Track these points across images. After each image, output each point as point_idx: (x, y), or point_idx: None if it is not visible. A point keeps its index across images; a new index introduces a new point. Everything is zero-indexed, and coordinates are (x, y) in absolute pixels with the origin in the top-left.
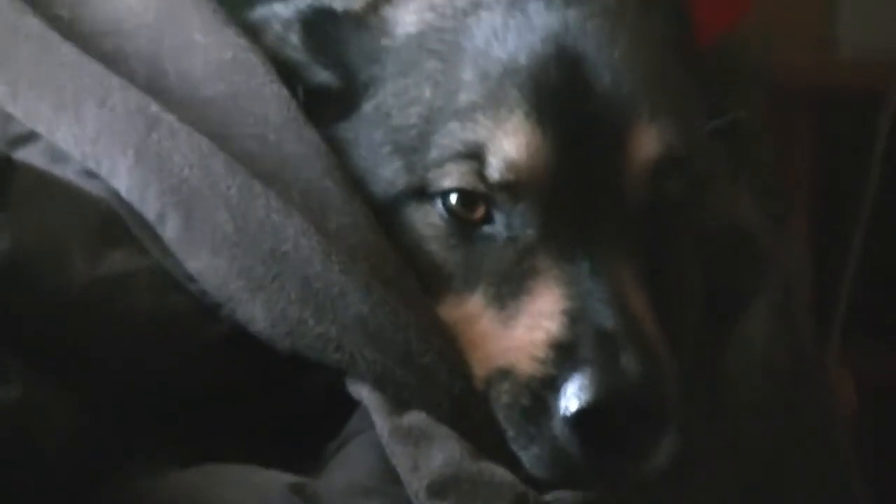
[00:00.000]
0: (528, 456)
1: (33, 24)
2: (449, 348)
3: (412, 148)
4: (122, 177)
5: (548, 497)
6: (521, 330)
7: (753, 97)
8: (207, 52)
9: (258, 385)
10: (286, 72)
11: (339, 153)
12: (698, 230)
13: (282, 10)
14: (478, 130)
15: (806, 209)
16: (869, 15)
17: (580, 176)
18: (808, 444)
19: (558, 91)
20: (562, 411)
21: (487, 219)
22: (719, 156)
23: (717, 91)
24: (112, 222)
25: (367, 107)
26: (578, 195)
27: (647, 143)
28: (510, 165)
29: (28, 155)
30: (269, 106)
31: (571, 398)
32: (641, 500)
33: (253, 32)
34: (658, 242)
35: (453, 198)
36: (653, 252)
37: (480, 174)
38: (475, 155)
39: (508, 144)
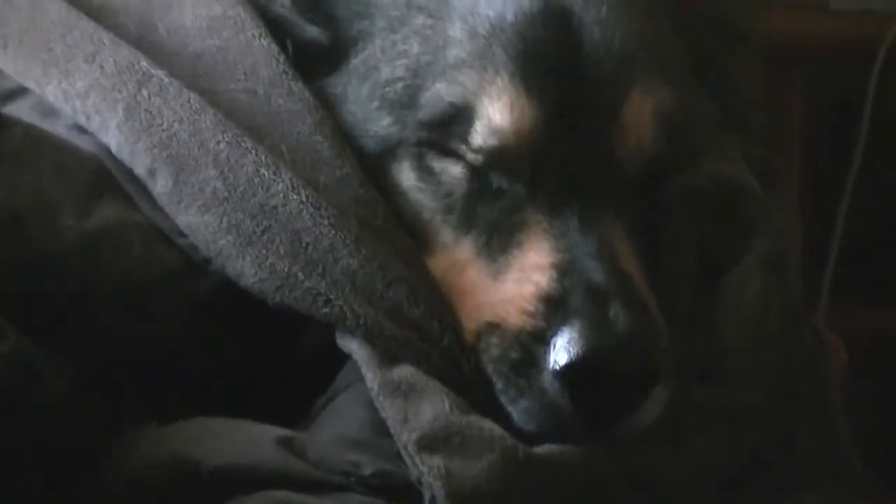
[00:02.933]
0: (518, 409)
1: None
2: (438, 302)
3: (401, 103)
4: (112, 132)
5: (537, 450)
6: (510, 283)
7: (744, 56)
8: (197, 7)
9: (248, 341)
10: (275, 27)
11: (328, 108)
12: (691, 189)
13: None
14: (464, 92)
15: (798, 168)
16: None
17: (572, 135)
18: (800, 408)
19: (546, 48)
20: (551, 364)
21: (477, 173)
22: (711, 115)
23: (708, 50)
24: (102, 178)
25: (356, 61)
26: (569, 153)
27: (643, 109)
28: (495, 131)
29: (18, 110)
30: (258, 61)
31: (561, 351)
32: (632, 460)
33: None
34: (651, 203)
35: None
36: (645, 212)
37: (467, 135)
38: (462, 117)
39: (493, 109)
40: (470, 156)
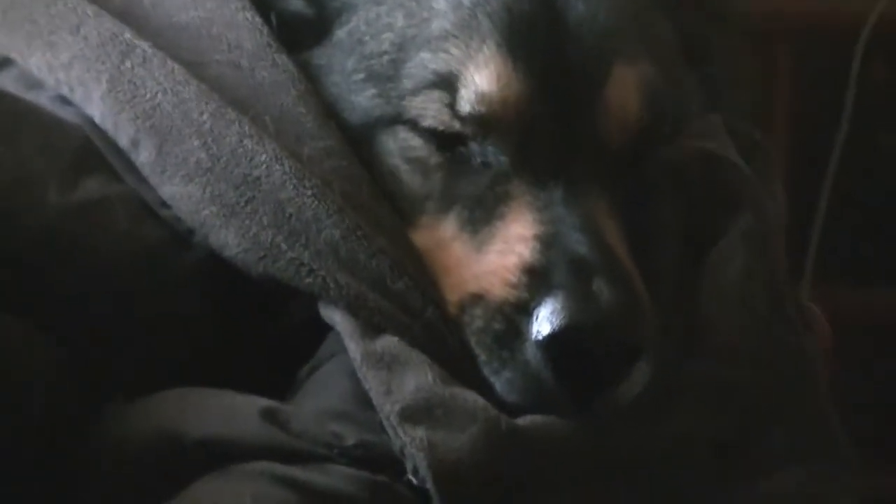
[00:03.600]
0: (501, 380)
1: None
2: (422, 273)
3: (385, 76)
4: (95, 103)
5: (519, 421)
6: (493, 255)
7: (728, 33)
8: None
9: (231, 313)
10: (259, 0)
11: (312, 80)
12: (675, 164)
13: None
14: (449, 61)
15: (783, 142)
16: None
17: (556, 108)
18: (785, 383)
19: (531, 20)
20: (534, 335)
21: (462, 143)
22: (695, 91)
23: (693, 27)
24: (86, 149)
25: (340, 33)
26: (553, 127)
27: (627, 84)
28: (481, 98)
29: (2, 81)
30: (242, 33)
31: (544, 322)
32: (614, 433)
33: None
34: (635, 178)
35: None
36: (629, 187)
37: (452, 105)
38: (447, 85)
39: (479, 77)
40: (456, 125)
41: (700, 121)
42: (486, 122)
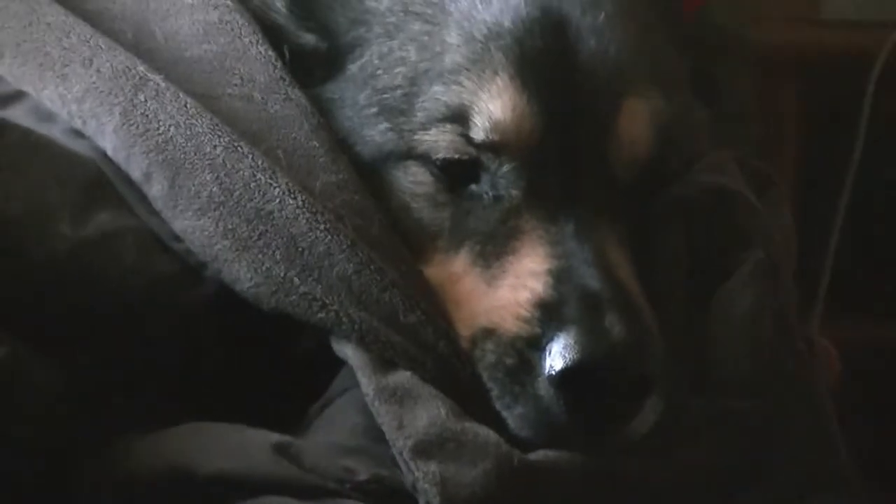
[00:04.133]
0: (513, 415)
1: None
2: (434, 308)
3: (398, 110)
4: (108, 136)
5: (531, 456)
6: (505, 289)
7: (738, 67)
8: (194, 13)
9: (243, 347)
10: (272, 34)
11: (324, 114)
12: (685, 198)
13: None
14: (462, 93)
15: (792, 176)
16: None
17: (567, 141)
18: (793, 417)
19: (543, 54)
20: (546, 370)
21: (473, 178)
22: (705, 124)
23: (703, 61)
24: (98, 182)
25: (353, 68)
26: (564, 159)
27: (638, 117)
28: (495, 126)
29: (15, 114)
30: (254, 66)
31: (556, 357)
32: (625, 467)
33: None
34: (645, 211)
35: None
36: (639, 221)
37: (465, 136)
38: (460, 117)
39: (493, 106)
40: (471, 152)
41: (711, 155)
42: (499, 151)
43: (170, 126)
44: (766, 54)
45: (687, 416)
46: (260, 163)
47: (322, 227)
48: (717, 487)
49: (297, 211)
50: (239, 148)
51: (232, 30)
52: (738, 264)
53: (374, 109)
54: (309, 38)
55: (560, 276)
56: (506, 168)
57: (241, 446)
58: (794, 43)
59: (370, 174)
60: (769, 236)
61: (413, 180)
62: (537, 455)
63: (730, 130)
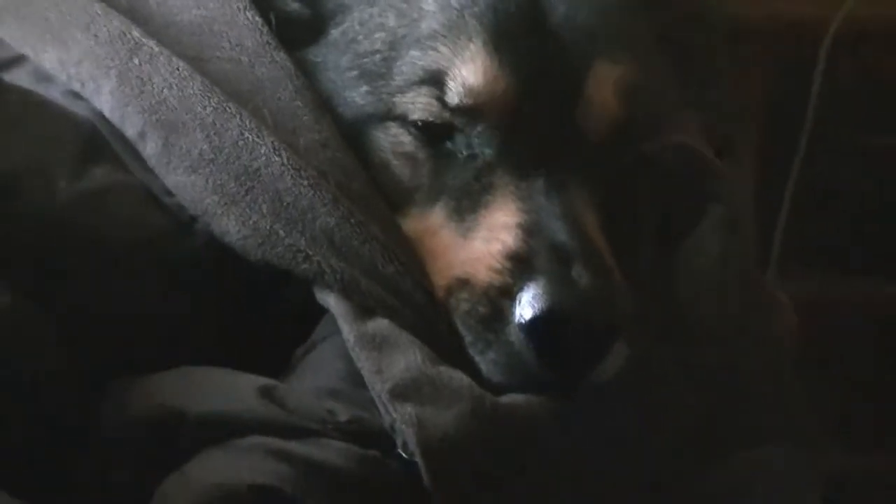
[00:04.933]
0: (486, 361)
1: None
2: (411, 260)
3: (377, 73)
4: (104, 98)
5: (503, 399)
6: (479, 242)
7: (705, 33)
8: None
9: (230, 296)
10: (259, 1)
11: (308, 76)
12: (652, 157)
13: None
14: (438, 58)
15: (754, 139)
16: None
17: (538, 103)
18: (755, 365)
19: (515, 21)
20: (517, 318)
21: (449, 138)
22: (672, 88)
23: (671, 28)
24: (94, 141)
25: (335, 33)
26: (537, 121)
27: (607, 80)
28: (469, 91)
29: (15, 76)
30: (242, 31)
31: (526, 306)
32: (593, 410)
33: None
34: (613, 170)
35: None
36: (608, 178)
37: (440, 100)
38: (436, 81)
39: (466, 71)
40: (445, 116)
41: (676, 115)
42: (473, 114)
43: (163, 88)
44: (730, 24)
45: (653, 363)
46: (247, 122)
47: (306, 182)
48: (682, 431)
49: (283, 168)
50: (228, 108)
51: None
52: (702, 219)
53: (355, 73)
54: (294, 6)
55: (530, 230)
56: (479, 129)
57: (230, 389)
58: (752, 11)
59: (352, 133)
60: (731, 193)
61: (392, 140)
62: (508, 398)
63: (696, 92)
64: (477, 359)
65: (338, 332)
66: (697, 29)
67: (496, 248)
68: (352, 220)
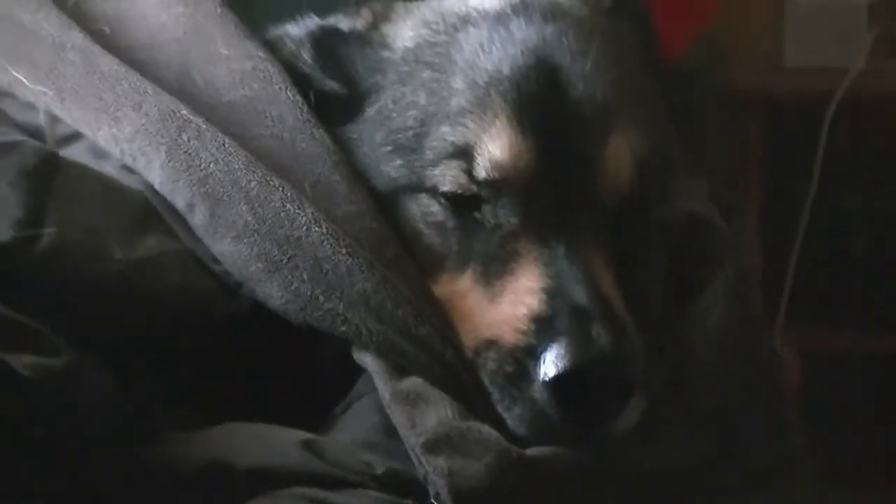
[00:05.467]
0: (511, 416)
1: (78, 37)
2: (442, 321)
3: (410, 148)
4: (155, 172)
5: (528, 452)
6: (505, 305)
7: (710, 106)
8: (230, 62)
9: (275, 356)
10: (300, 80)
11: (345, 151)
12: (662, 221)
13: (294, 30)
14: (466, 134)
15: (757, 203)
16: (811, 31)
17: (559, 174)
18: (758, 407)
19: (537, 98)
20: (541, 376)
21: (476, 208)
22: (681, 157)
23: (680, 100)
24: (147, 212)
25: (370, 111)
26: (557, 191)
27: (621, 152)
28: (495, 165)
29: (73, 152)
30: (284, 109)
31: (549, 365)
32: (610, 459)
33: (270, 47)
34: (627, 234)
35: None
36: (622, 242)
37: (468, 173)
38: (464, 154)
39: (493, 146)
40: (473, 189)
41: (686, 185)
42: (499, 186)
43: (210, 162)
44: (735, 96)
45: (665, 411)
46: (289, 194)
47: (343, 250)
48: (691, 473)
49: (322, 237)
50: (270, 181)
51: (264, 77)
52: (710, 280)
53: (389, 148)
54: (332, 85)
55: (553, 293)
56: (504, 199)
57: (274, 443)
58: (760, 86)
59: (386, 204)
60: (736, 255)
61: (423, 210)
62: (533, 451)
63: (702, 161)
64: (504, 414)
65: (374, 389)
66: (703, 102)
67: (521, 311)
68: (386, 285)
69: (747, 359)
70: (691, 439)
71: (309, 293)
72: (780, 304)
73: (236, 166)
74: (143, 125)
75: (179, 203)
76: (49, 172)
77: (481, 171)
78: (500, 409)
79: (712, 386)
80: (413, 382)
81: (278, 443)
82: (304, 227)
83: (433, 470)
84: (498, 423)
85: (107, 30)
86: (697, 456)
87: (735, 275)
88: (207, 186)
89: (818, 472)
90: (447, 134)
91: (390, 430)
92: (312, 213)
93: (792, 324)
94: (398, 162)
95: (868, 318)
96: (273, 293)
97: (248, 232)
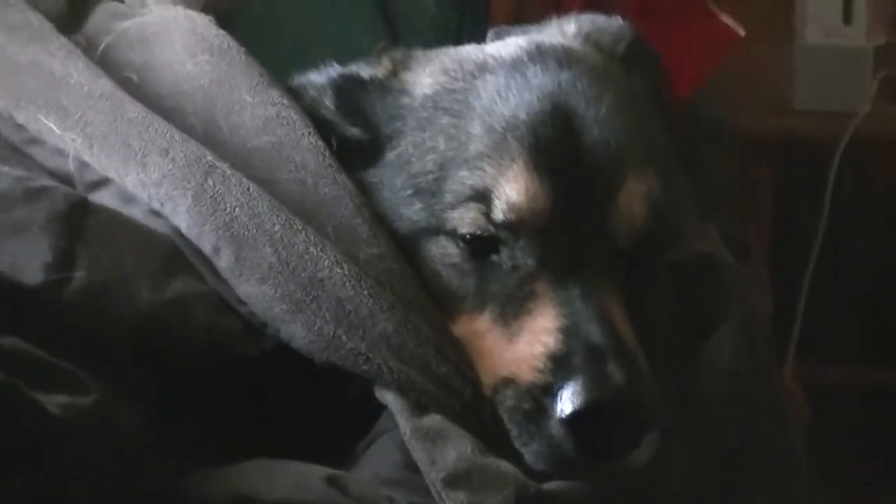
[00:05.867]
0: (529, 452)
1: (107, 85)
2: (462, 360)
3: (429, 192)
4: (182, 216)
5: (545, 486)
6: (522, 344)
7: (721, 150)
8: (255, 109)
9: (299, 392)
10: (321, 127)
11: (367, 195)
12: (674, 261)
13: (316, 78)
14: (484, 177)
15: (767, 242)
16: (819, 76)
17: (574, 217)
18: (767, 442)
19: (553, 143)
20: (558, 413)
21: (494, 250)
22: (692, 200)
23: (691, 145)
24: (174, 255)
25: (391, 156)
26: (572, 233)
27: (634, 196)
28: (512, 207)
29: (102, 197)
30: (306, 155)
31: (566, 402)
32: (627, 495)
33: (293, 94)
34: (639, 275)
35: (465, 236)
36: (634, 282)
37: (487, 215)
38: (482, 198)
39: (510, 189)
40: (491, 230)
41: (698, 227)
42: (516, 228)
43: (235, 207)
44: (744, 139)
45: (677, 447)
46: (312, 237)
47: (365, 292)
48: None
49: (344, 278)
50: (294, 225)
51: (287, 123)
52: (721, 320)
53: (410, 191)
54: (353, 131)
55: (569, 332)
56: (521, 242)
57: (298, 478)
58: (769, 130)
59: (407, 246)
60: (746, 295)
61: (442, 252)
62: (550, 485)
63: (713, 204)
64: (521, 450)
65: (395, 426)
66: (714, 147)
67: (538, 349)
68: (407, 326)
69: (757, 398)
70: (702, 473)
71: (332, 333)
72: (790, 340)
73: (260, 210)
74: (169, 170)
75: (206, 246)
76: (79, 217)
77: (499, 214)
78: (517, 445)
79: (723, 424)
80: (433, 420)
81: (303, 478)
82: (327, 269)
83: None
84: (516, 458)
85: (134, 78)
86: (708, 494)
87: (745, 314)
88: (233, 230)
89: None
90: (466, 178)
91: (411, 466)
92: (335, 256)
93: (802, 360)
94: (418, 205)
95: (876, 353)
96: (297, 333)
97: (273, 274)
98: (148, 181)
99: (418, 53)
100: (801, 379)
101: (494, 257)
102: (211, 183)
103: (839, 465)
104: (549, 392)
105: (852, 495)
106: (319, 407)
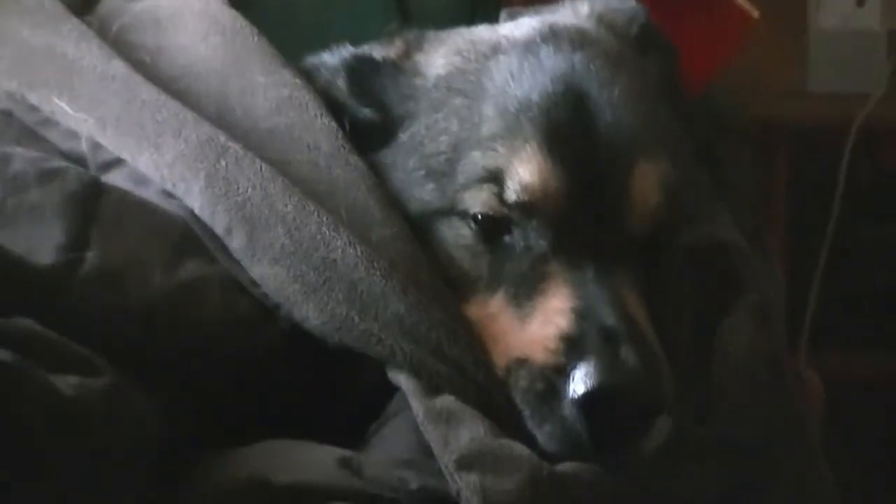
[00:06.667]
0: (542, 433)
1: (120, 66)
2: (474, 342)
3: (442, 173)
4: (195, 197)
5: (558, 468)
6: (535, 325)
7: (734, 139)
8: (267, 91)
9: (312, 375)
10: (334, 108)
11: (379, 176)
12: (687, 249)
13: (329, 59)
14: (497, 158)
15: (779, 231)
16: (835, 59)
17: (587, 198)
18: (784, 440)
19: (566, 124)
20: (570, 394)
21: (507, 231)
22: (706, 186)
23: (704, 134)
24: (187, 236)
25: (403, 137)
26: (585, 214)
27: (648, 178)
28: (525, 188)
29: (115, 178)
30: (320, 136)
31: (579, 383)
32: (638, 479)
33: (306, 75)
34: (654, 259)
35: (478, 216)
36: (648, 267)
37: (499, 196)
38: (495, 179)
39: (523, 170)
40: (504, 211)
41: (710, 211)
42: (529, 209)
43: (248, 188)
44: (758, 124)
45: (692, 440)
46: (325, 219)
47: (378, 273)
48: (717, 500)
49: (357, 259)
50: (307, 206)
51: (300, 105)
52: (734, 307)
53: (422, 172)
54: (366, 112)
55: (582, 314)
56: (534, 223)
57: (311, 460)
58: (783, 113)
59: (419, 228)
60: (760, 282)
61: (455, 233)
62: (563, 467)
63: (727, 191)
64: (534, 431)
65: (408, 408)
66: (727, 136)
67: (551, 331)
68: (420, 307)
69: (772, 387)
70: (716, 469)
71: (344, 314)
72: (802, 329)
73: (273, 191)
74: (182, 152)
75: (218, 228)
76: (92, 198)
77: (511, 195)
78: (531, 426)
79: (737, 414)
80: (446, 401)
81: (316, 459)
82: (340, 251)
83: (466, 486)
84: (529, 440)
85: (147, 60)
86: (722, 486)
87: (759, 300)
88: (245, 211)
89: (842, 500)
90: (478, 158)
91: (424, 448)
92: (348, 237)
93: (814, 349)
94: (431, 186)
95: (890, 342)
96: (310, 314)
97: (285, 255)
98: (161, 162)
99: (431, 34)
100: (813, 368)
101: (507, 238)
102: (224, 164)
103: (852, 458)
104: (561, 372)
105: (867, 489)
106: (332, 388)
